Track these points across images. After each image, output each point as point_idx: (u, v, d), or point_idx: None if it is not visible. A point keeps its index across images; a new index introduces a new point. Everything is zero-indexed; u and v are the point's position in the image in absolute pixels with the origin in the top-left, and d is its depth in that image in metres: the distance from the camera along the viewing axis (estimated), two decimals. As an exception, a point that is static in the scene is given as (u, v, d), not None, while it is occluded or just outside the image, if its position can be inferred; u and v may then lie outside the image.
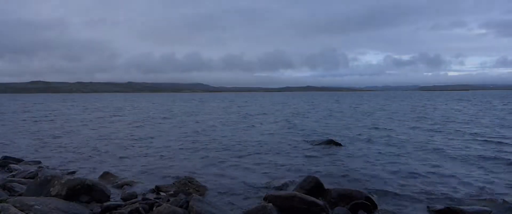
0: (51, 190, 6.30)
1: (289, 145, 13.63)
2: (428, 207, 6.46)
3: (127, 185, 7.77)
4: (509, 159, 10.28)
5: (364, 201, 6.17)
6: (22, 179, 7.93)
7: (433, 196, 7.07)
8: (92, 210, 5.87)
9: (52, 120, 25.76)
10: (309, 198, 6.05)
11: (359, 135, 16.27)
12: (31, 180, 7.38)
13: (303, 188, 6.82)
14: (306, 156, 11.26)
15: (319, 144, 13.26)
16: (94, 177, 8.33)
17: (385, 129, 18.74)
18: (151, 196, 6.84)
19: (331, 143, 13.21)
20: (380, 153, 11.67)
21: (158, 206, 5.79)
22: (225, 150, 12.43)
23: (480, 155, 10.98)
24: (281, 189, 7.55)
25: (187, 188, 7.24)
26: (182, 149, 12.76)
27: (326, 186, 7.03)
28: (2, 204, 5.04)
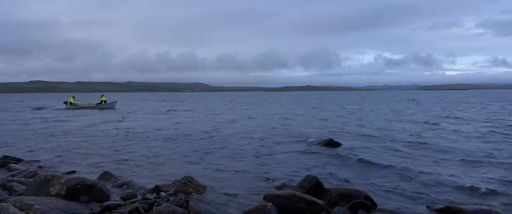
0: (50, 189, 6.30)
1: (289, 144, 13.64)
2: (428, 206, 6.46)
3: (126, 184, 7.76)
4: (507, 159, 10.29)
5: (364, 200, 6.16)
6: (22, 179, 7.92)
7: (433, 195, 7.07)
8: (91, 209, 5.87)
9: (56, 120, 25.75)
10: (309, 197, 6.04)
11: (361, 134, 16.26)
12: (31, 179, 7.37)
13: (303, 187, 6.81)
14: (306, 156, 11.26)
15: (319, 144, 13.25)
16: (94, 176, 8.32)
17: (385, 128, 18.75)
18: (151, 196, 6.83)
19: (331, 142, 13.20)
20: (380, 152, 11.67)
21: (158, 205, 5.78)
22: (225, 150, 12.43)
23: (479, 155, 10.99)
24: (280, 189, 7.55)
25: (186, 188, 7.24)
26: (183, 148, 12.76)
27: (326, 185, 7.03)
28: (1, 203, 5.03)
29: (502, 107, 37.02)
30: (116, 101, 41.66)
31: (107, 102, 40.05)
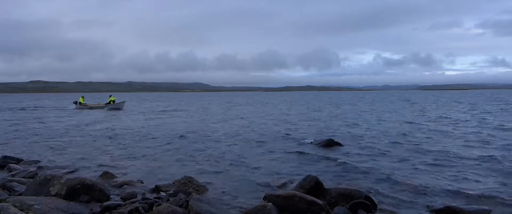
0: (50, 189, 6.30)
1: (288, 144, 13.64)
2: (427, 206, 6.46)
3: (126, 184, 7.76)
4: (503, 159, 10.31)
5: (364, 200, 6.17)
6: (22, 179, 7.93)
7: (432, 195, 7.08)
8: (91, 209, 5.87)
9: (56, 121, 25.73)
10: (309, 197, 6.05)
11: (360, 135, 16.27)
12: (31, 179, 7.36)
13: (303, 187, 6.81)
14: (306, 156, 11.26)
15: (319, 144, 13.26)
16: (94, 176, 8.33)
17: (385, 128, 18.76)
18: (151, 196, 6.82)
19: (331, 142, 13.20)
20: (380, 152, 11.67)
21: (158, 205, 5.78)
22: (223, 150, 12.43)
23: (479, 155, 11.01)
24: (280, 189, 7.55)
25: (186, 188, 7.24)
26: (182, 148, 12.76)
27: (326, 185, 7.03)
28: (1, 203, 5.03)
29: (498, 107, 37.05)
30: (124, 102, 41.86)
31: (116, 102, 40.25)
